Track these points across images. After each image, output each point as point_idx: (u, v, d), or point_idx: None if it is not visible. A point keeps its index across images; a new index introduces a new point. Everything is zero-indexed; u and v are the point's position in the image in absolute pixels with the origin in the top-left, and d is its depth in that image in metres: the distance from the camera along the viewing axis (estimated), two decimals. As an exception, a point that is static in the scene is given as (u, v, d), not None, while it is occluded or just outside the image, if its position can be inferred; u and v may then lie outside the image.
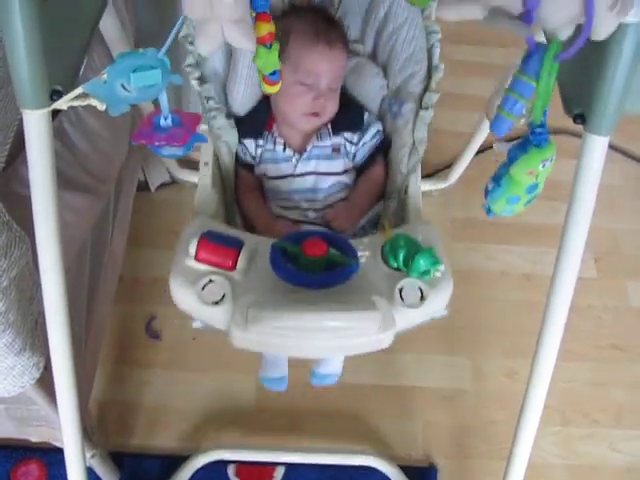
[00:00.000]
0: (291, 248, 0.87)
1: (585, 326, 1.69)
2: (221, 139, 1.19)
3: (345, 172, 1.24)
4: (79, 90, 0.71)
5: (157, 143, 0.80)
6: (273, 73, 0.92)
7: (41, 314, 0.94)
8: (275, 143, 1.23)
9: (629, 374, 1.63)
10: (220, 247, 0.89)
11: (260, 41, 0.85)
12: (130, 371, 1.54)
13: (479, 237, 1.85)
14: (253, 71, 1.22)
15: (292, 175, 1.22)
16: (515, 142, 0.87)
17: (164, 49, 0.71)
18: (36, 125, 0.75)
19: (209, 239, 0.89)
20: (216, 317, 0.86)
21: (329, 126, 1.24)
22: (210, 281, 0.87)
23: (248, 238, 0.93)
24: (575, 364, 1.62)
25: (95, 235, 1.29)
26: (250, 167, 1.25)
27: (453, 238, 1.83)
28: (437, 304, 0.90)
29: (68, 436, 1.03)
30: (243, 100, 1.25)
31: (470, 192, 1.94)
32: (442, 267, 0.91)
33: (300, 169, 1.22)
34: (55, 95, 0.74)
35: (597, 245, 1.83)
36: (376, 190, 1.23)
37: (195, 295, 0.86)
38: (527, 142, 0.84)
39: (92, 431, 1.25)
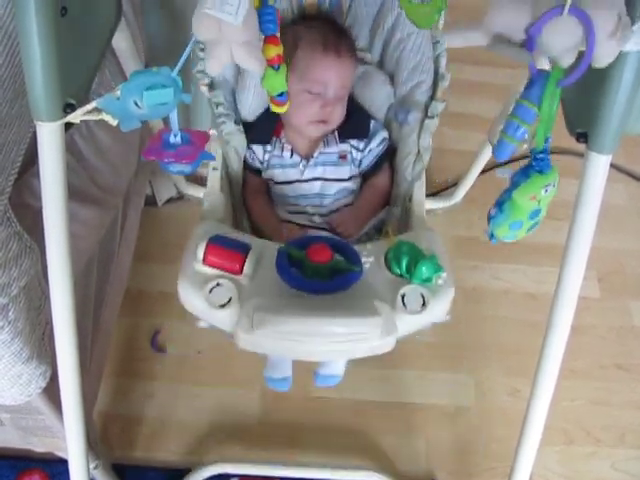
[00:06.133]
0: (296, 253, 0.89)
1: (589, 346, 1.69)
2: (230, 144, 1.21)
3: (351, 178, 1.25)
4: (92, 105, 0.72)
5: (166, 160, 0.81)
6: (280, 94, 0.94)
7: (48, 324, 0.96)
8: (283, 149, 1.25)
9: (632, 394, 1.63)
10: (227, 251, 0.91)
11: (268, 63, 0.86)
12: (134, 384, 1.55)
13: (484, 256, 1.85)
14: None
15: (299, 180, 1.24)
16: (518, 168, 0.88)
17: (177, 69, 0.72)
18: (49, 137, 0.76)
19: (217, 243, 0.92)
20: (222, 320, 0.89)
21: (336, 133, 1.25)
22: (217, 284, 0.89)
23: (255, 242, 0.96)
24: (579, 383, 1.62)
25: (102, 248, 1.30)
26: (258, 172, 1.27)
27: (458, 256, 1.84)
28: (438, 311, 0.92)
29: (72, 446, 1.03)
30: (251, 107, 1.26)
31: (475, 211, 1.94)
32: (444, 274, 0.92)
33: (307, 175, 1.24)
34: (68, 108, 0.76)
35: (601, 265, 1.82)
36: (381, 197, 1.25)
37: (202, 298, 0.88)
38: (529, 168, 0.85)
39: (95, 441, 1.25)
